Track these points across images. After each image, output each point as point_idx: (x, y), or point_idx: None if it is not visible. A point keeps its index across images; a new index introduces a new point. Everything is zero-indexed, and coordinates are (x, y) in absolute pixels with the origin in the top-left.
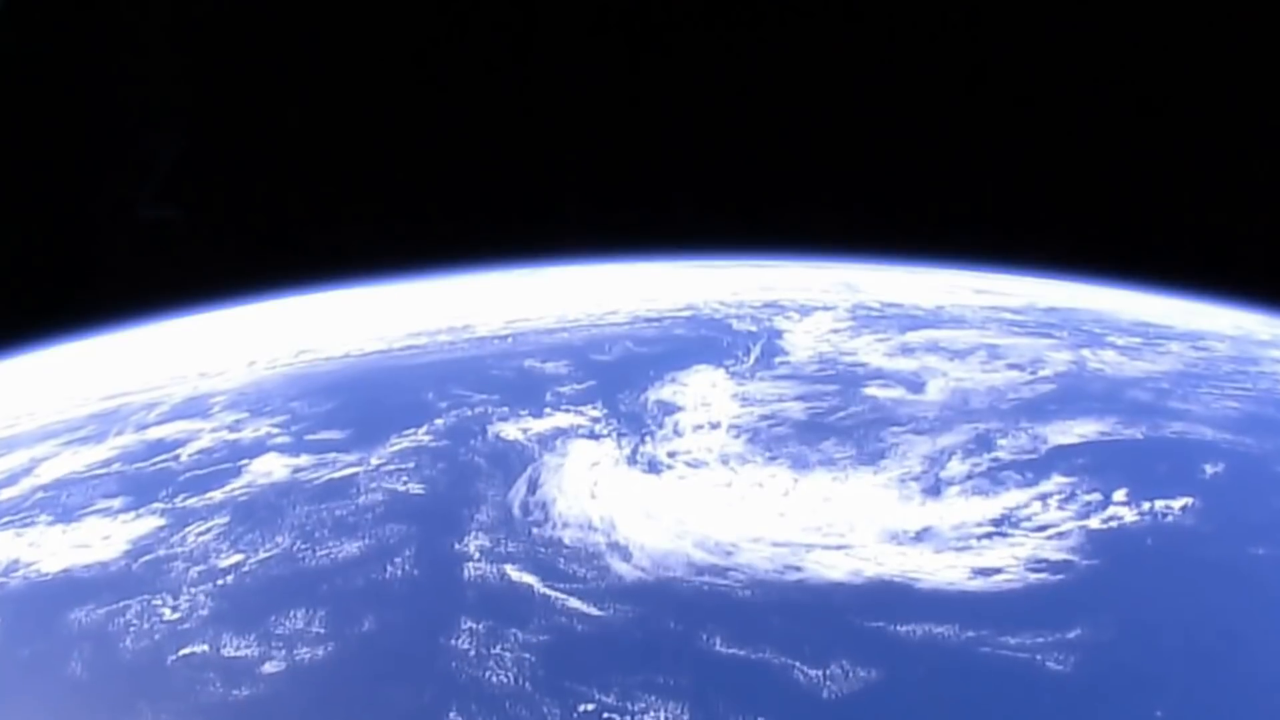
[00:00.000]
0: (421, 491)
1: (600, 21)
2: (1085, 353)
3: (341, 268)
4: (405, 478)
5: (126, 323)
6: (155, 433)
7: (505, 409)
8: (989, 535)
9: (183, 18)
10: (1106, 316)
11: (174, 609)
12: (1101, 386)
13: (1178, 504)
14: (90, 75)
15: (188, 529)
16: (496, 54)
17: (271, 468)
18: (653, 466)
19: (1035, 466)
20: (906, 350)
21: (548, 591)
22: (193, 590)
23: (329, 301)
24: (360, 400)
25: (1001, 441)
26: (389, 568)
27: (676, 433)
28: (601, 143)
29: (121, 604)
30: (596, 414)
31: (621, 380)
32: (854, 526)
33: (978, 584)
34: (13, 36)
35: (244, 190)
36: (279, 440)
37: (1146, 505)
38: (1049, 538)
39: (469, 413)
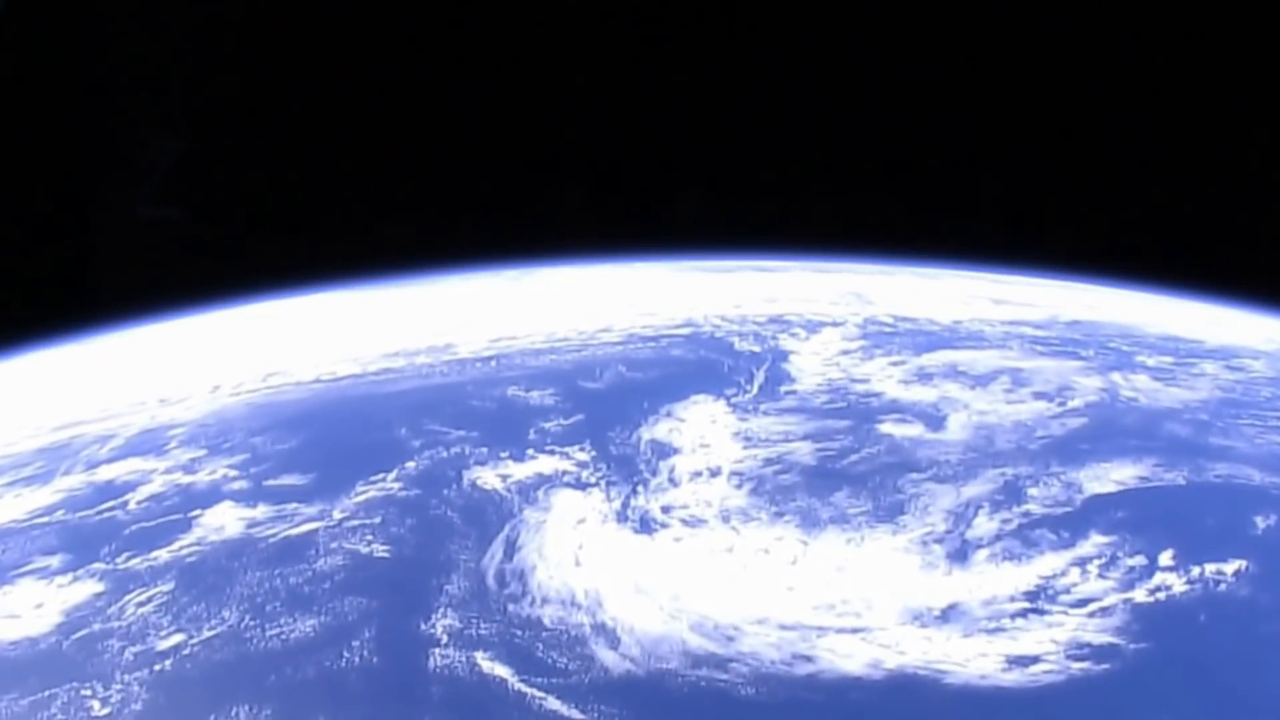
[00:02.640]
0: (387, 554)
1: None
2: (1116, 377)
3: (331, 267)
4: (370, 536)
5: (117, 325)
6: (105, 473)
7: (484, 450)
8: (1024, 613)
9: (183, 17)
10: (1133, 331)
11: (104, 702)
12: (1136, 419)
13: (1230, 568)
14: (90, 75)
15: (128, 597)
16: (489, 43)
17: (224, 520)
18: (645, 525)
19: (1071, 522)
20: (923, 376)
21: (523, 688)
22: (126, 678)
23: (311, 307)
24: (327, 437)
25: (1032, 491)
26: (345, 653)
27: (672, 481)
28: (599, 136)
29: (47, 693)
30: (584, 457)
31: (612, 414)
32: (872, 604)
33: (1013, 677)
34: (13, 36)
35: (232, 190)
36: (235, 486)
37: (1196, 570)
38: (1091, 615)
39: (444, 454)
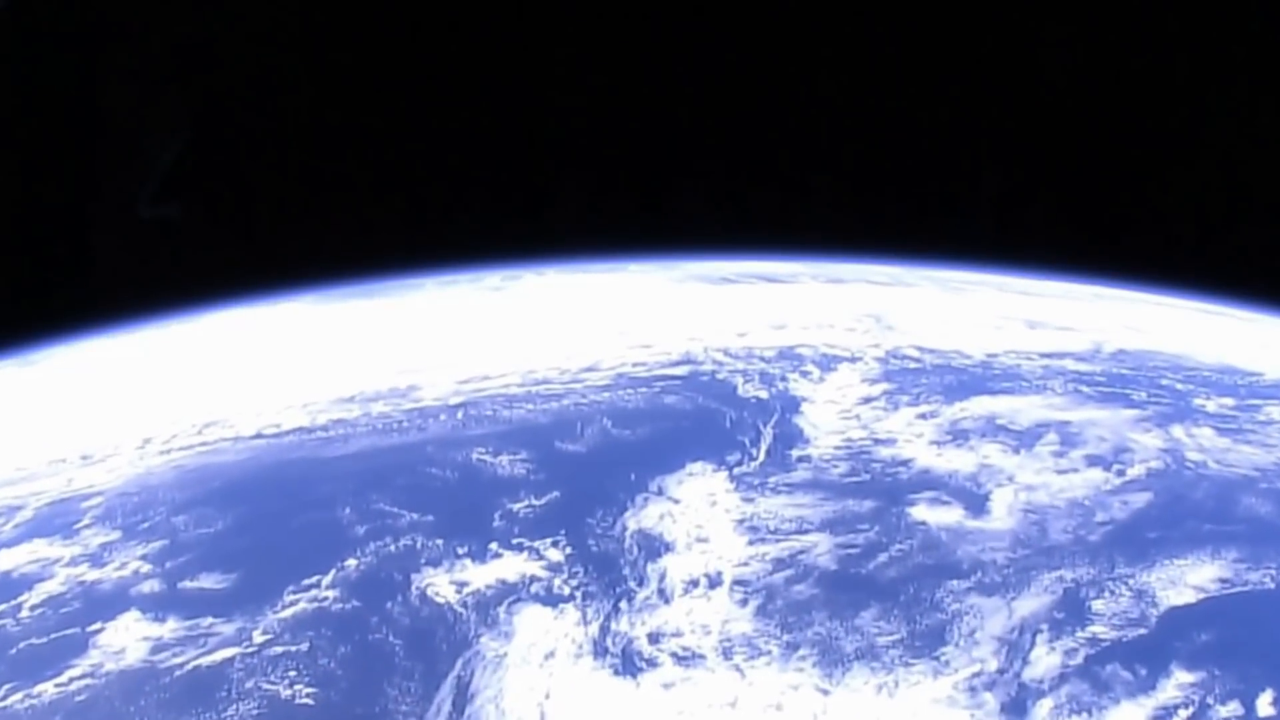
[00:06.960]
0: (310, 701)
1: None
2: (1178, 432)
3: (321, 265)
4: (293, 671)
5: (105, 327)
6: (3, 559)
7: (439, 542)
8: None
9: (182, 17)
10: (1185, 361)
11: None
12: (1207, 493)
13: None
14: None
15: None
16: (484, 33)
17: (126, 641)
18: (628, 662)
19: (1148, 651)
20: (958, 435)
21: None
22: None
23: (288, 315)
24: (259, 517)
25: (1098, 605)
26: None
27: (662, 594)
28: (596, 130)
29: None
30: (557, 556)
31: (594, 490)
32: None
33: None
34: (13, 36)
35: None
36: (145, 588)
37: None
38: None
39: (391, 548)
